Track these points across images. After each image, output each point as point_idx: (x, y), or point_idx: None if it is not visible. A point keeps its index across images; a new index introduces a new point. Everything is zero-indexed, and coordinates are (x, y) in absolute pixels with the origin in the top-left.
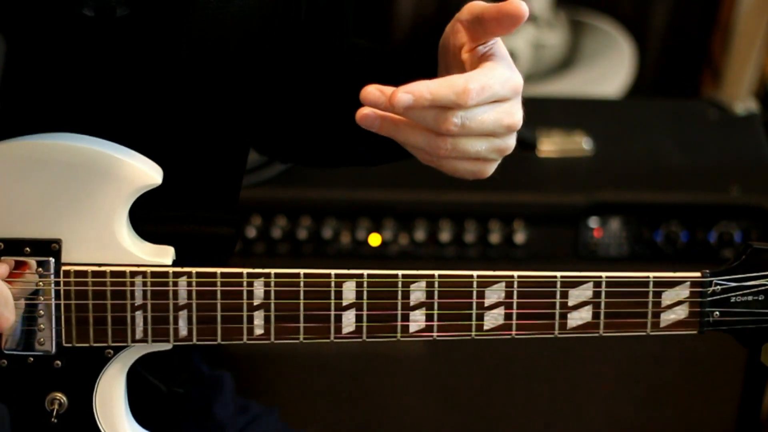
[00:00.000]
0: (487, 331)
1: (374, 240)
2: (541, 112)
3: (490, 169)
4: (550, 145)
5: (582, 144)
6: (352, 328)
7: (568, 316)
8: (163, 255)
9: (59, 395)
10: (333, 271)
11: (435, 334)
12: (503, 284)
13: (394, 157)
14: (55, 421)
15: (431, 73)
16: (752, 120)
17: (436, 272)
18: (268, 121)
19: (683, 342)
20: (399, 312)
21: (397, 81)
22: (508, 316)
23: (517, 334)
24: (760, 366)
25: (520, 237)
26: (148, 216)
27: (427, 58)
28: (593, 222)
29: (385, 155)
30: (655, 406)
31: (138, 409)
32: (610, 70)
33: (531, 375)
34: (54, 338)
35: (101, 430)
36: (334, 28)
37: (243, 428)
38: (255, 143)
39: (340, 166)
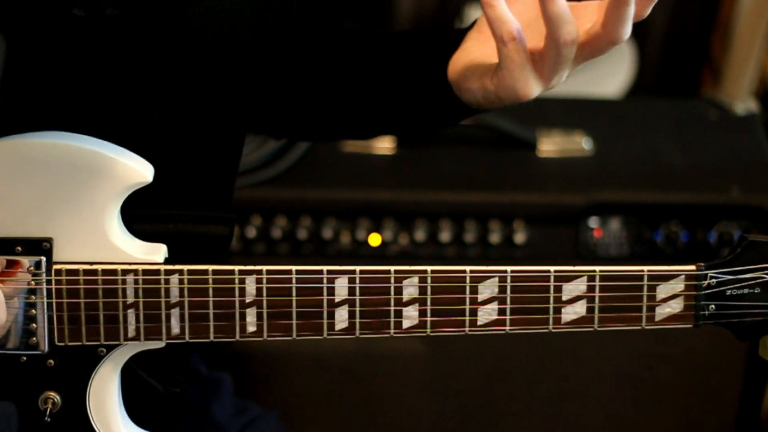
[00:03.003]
0: (481, 326)
1: (374, 240)
2: (541, 112)
3: (537, 89)
4: (550, 145)
5: (582, 144)
6: (345, 325)
7: (563, 310)
8: (154, 253)
9: (53, 394)
10: (325, 268)
11: (428, 330)
12: (496, 279)
13: (386, 130)
14: (49, 420)
15: (430, 56)
16: (752, 120)
17: (429, 267)
18: (263, 112)
19: (683, 341)
20: (392, 308)
21: (393, 63)
22: (501, 311)
23: (511, 330)
24: (760, 365)
25: (520, 237)
26: (142, 215)
27: (426, 42)
28: (593, 222)
29: (378, 128)
30: (655, 405)
31: (136, 409)
32: (610, 70)
33: (530, 375)
34: (46, 337)
35: (95, 428)
36: (326, 18)
37: (241, 430)
38: (263, 129)
39: (337, 140)
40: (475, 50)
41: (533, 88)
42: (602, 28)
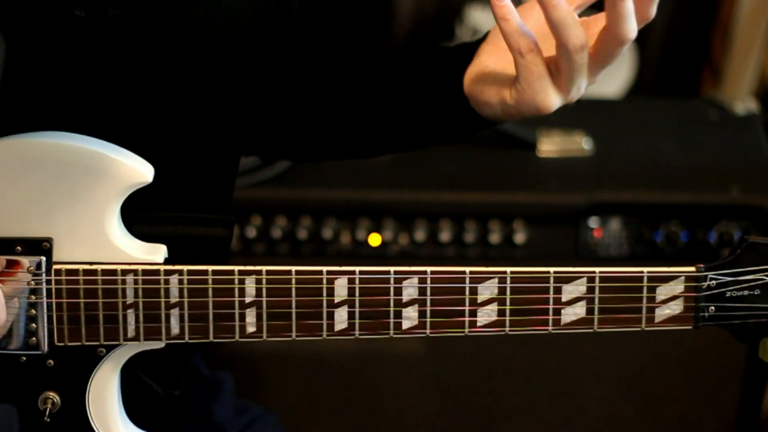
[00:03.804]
0: (481, 327)
1: (374, 240)
2: None
3: (557, 101)
4: (550, 145)
5: (582, 144)
6: (344, 326)
7: (562, 311)
8: (154, 253)
9: (52, 394)
10: (325, 268)
11: (428, 330)
12: (496, 280)
13: (381, 151)
14: (48, 420)
15: (443, 70)
16: (752, 120)
17: (429, 268)
18: (261, 118)
19: (683, 341)
20: (392, 309)
21: (390, 82)
22: (501, 312)
23: (510, 331)
24: (760, 365)
25: (520, 237)
26: (142, 217)
27: (435, 56)
28: (593, 222)
29: (372, 149)
30: (655, 406)
31: (136, 409)
32: (610, 70)
33: (530, 375)
34: (46, 337)
35: (94, 428)
36: (327, 24)
37: (242, 430)
38: (260, 146)
39: (330, 160)
40: (491, 63)
41: (553, 100)
42: (607, 30)
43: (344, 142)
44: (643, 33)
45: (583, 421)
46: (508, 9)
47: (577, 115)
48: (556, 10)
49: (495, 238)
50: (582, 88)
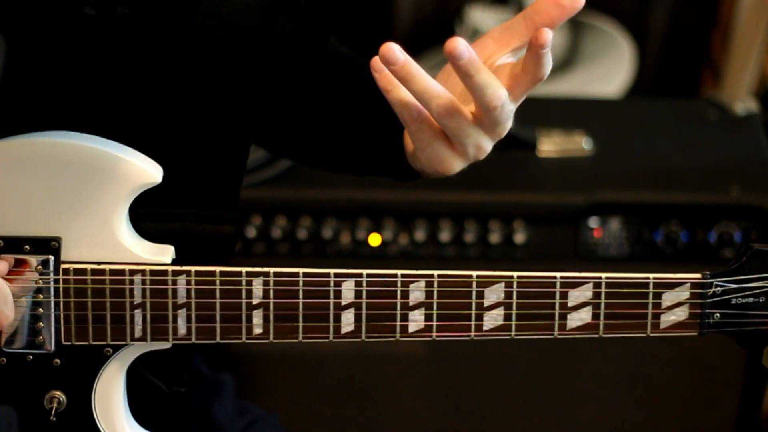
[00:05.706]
0: (487, 331)
1: (374, 240)
2: (541, 112)
3: (455, 164)
4: (550, 145)
5: (582, 144)
6: (351, 328)
7: (568, 316)
8: (162, 254)
9: (58, 394)
10: (332, 271)
11: (434, 334)
12: (503, 284)
13: (376, 170)
14: (54, 419)
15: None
16: (752, 120)
17: (436, 272)
18: (269, 118)
19: (683, 342)
20: (398, 312)
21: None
22: (507, 317)
23: (516, 335)
24: (761, 367)
25: (520, 237)
26: (149, 214)
27: None
28: (593, 222)
29: (370, 167)
30: (655, 406)
31: (138, 409)
32: (610, 70)
33: (531, 375)
34: (53, 336)
35: (100, 428)
36: (329, 24)
37: (242, 431)
38: (261, 141)
39: (334, 170)
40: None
41: (451, 164)
42: (523, 72)
43: (344, 141)
44: (643, 33)
45: (583, 421)
46: (388, 80)
47: (577, 115)
48: (476, 77)
49: (495, 238)
50: (483, 145)
